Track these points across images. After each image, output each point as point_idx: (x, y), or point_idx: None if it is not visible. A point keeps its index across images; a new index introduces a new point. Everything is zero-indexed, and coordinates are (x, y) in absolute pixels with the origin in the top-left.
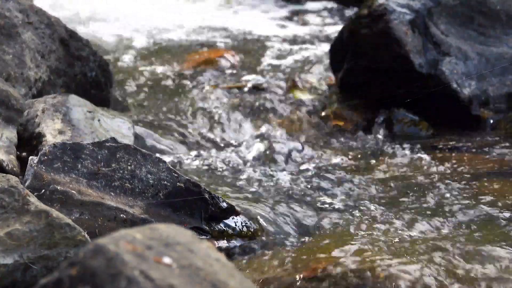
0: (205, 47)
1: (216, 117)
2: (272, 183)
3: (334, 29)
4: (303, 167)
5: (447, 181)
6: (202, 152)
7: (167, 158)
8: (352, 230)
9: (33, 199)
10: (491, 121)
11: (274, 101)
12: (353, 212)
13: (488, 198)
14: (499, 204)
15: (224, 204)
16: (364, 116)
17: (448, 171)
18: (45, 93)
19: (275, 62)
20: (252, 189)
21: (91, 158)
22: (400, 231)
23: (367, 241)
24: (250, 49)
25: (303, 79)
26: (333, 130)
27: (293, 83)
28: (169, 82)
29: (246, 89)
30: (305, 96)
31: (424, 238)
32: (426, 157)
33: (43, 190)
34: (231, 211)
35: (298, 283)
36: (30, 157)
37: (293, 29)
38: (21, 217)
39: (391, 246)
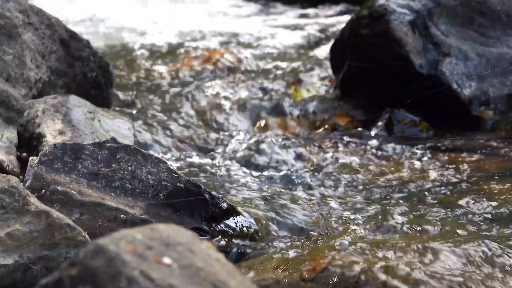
0: (205, 47)
1: (216, 117)
2: (272, 183)
3: (334, 30)
4: (303, 167)
5: (447, 182)
6: (201, 152)
7: (167, 158)
8: (352, 230)
9: (33, 199)
10: (491, 122)
11: (274, 101)
12: (353, 212)
13: (488, 198)
14: (499, 204)
15: (225, 205)
16: (364, 117)
17: (448, 172)
18: (45, 93)
19: (275, 62)
20: (252, 189)
21: (91, 159)
22: (400, 231)
23: (367, 241)
24: (250, 49)
25: (303, 79)
26: (333, 130)
27: (293, 83)
28: (169, 82)
29: (246, 88)
30: (305, 96)
31: (424, 238)
32: (426, 157)
33: (44, 191)
34: (232, 211)
35: (298, 283)
36: (30, 158)
37: (294, 29)
38: (21, 217)
39: (392, 246)
